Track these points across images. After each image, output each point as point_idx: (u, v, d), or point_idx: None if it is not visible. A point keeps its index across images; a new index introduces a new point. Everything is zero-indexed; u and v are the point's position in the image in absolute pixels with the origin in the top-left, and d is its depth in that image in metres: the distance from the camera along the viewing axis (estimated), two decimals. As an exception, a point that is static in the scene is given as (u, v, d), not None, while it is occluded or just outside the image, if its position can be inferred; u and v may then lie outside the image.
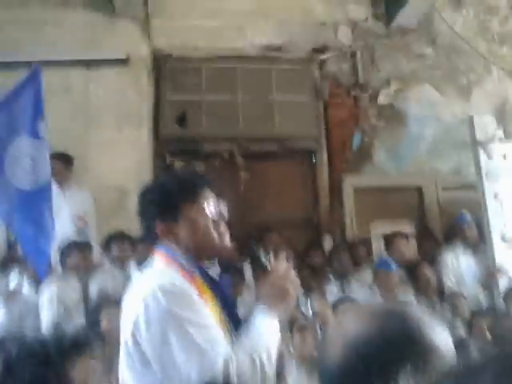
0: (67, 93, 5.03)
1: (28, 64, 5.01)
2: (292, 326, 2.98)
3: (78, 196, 4.68)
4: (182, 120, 5.31)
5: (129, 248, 4.16)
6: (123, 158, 4.99)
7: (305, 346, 2.97)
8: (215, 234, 1.63)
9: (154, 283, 1.52)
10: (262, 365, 1.46)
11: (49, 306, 3.84)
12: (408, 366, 0.84)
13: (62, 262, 4.13)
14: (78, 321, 3.80)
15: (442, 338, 0.90)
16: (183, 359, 1.42)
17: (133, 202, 1.81)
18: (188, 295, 1.50)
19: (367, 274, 4.39)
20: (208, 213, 1.63)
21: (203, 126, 5.28)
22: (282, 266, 1.62)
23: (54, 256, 4.18)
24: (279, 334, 1.55)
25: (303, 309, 3.59)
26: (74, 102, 5.02)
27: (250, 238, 4.90)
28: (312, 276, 4.35)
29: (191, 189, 1.65)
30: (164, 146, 5.20)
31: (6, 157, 3.68)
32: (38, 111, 3.77)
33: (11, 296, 3.84)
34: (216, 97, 5.33)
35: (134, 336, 1.49)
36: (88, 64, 5.11)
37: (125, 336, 1.52)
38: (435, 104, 5.62)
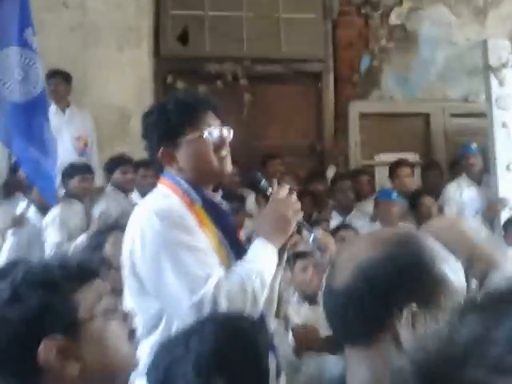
0: (65, 9, 4.76)
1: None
2: (294, 254, 2.99)
3: (78, 117, 4.55)
4: (183, 37, 5.07)
5: (131, 172, 4.11)
6: (123, 78, 4.82)
7: (306, 275, 2.98)
8: (216, 160, 1.60)
9: (150, 207, 1.55)
10: (254, 290, 1.45)
11: (52, 228, 3.83)
12: (416, 296, 0.81)
13: (64, 185, 4.09)
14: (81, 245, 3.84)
15: (455, 270, 0.86)
16: (173, 281, 1.44)
17: (135, 125, 1.80)
18: (183, 220, 1.51)
19: (370, 205, 4.39)
20: (210, 137, 1.59)
21: (206, 45, 5.05)
22: (283, 193, 1.58)
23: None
24: (276, 262, 1.53)
25: (305, 237, 3.61)
26: (71, 18, 4.76)
27: (253, 164, 4.88)
28: (313, 205, 4.35)
29: (193, 113, 1.61)
30: (165, 66, 5.00)
31: None
32: (25, 20, 3.56)
33: (19, 222, 3.78)
34: (220, 12, 5.06)
35: (131, 260, 1.52)
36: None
37: (124, 260, 1.56)
38: (449, 26, 5.35)
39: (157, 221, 1.48)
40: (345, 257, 0.88)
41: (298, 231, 1.66)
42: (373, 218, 4.18)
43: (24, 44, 3.54)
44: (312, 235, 1.59)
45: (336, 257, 0.93)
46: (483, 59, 4.69)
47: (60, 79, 4.45)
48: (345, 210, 4.35)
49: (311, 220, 4.21)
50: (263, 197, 1.68)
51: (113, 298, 0.98)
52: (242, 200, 4.14)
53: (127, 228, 1.60)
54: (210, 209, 1.60)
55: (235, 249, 1.59)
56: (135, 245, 1.51)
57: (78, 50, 4.75)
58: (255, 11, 5.11)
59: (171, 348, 0.91)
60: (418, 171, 4.80)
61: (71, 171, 4.04)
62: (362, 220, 4.23)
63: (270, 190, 1.61)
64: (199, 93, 4.73)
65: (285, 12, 5.15)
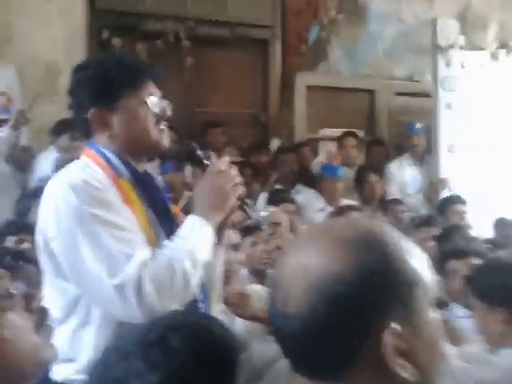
0: None
1: None
2: (241, 230, 2.80)
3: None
4: (122, -10, 4.67)
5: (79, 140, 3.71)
6: (52, 29, 4.37)
7: (255, 250, 2.80)
8: (155, 130, 1.45)
9: (65, 180, 1.37)
10: (184, 271, 1.30)
11: None
12: (392, 305, 0.65)
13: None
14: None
15: (421, 260, 0.70)
16: (91, 262, 1.29)
17: (64, 82, 1.59)
18: (103, 194, 1.35)
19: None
20: (150, 105, 1.45)
21: (146, 0, 4.69)
22: (221, 165, 1.45)
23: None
24: (212, 240, 1.39)
25: (249, 211, 3.45)
26: (-6, -47, 4.24)
27: (193, 132, 4.61)
28: (255, 177, 4.18)
29: (136, 76, 1.46)
30: (100, 19, 4.58)
31: None
32: None
33: None
34: (163, -34, 4.70)
35: (44, 238, 1.37)
36: None
37: (37, 238, 1.39)
38: (399, 2, 5.26)
39: (72, 195, 1.32)
40: (293, 270, 0.68)
41: (241, 207, 1.53)
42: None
43: None
44: (262, 213, 1.46)
45: (279, 268, 0.71)
46: (432, 39, 4.63)
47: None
48: (288, 184, 4.19)
49: (252, 193, 4.05)
50: (200, 168, 1.49)
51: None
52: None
53: (41, 202, 1.41)
54: (140, 184, 1.44)
55: (168, 228, 1.43)
56: (48, 221, 1.35)
57: (2, -5, 4.25)
58: (201, -33, 4.79)
59: (124, 358, 0.68)
60: (363, 148, 4.73)
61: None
62: (304, 194, 4.12)
63: (206, 161, 1.48)
64: (140, 57, 4.41)
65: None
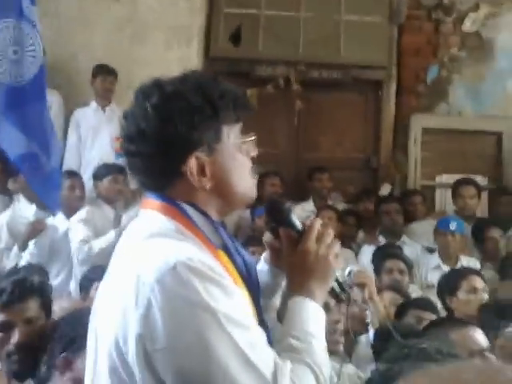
0: (115, 3, 4.60)
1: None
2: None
3: (119, 115, 4.35)
4: (236, 37, 4.77)
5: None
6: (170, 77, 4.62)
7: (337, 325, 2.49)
8: (252, 179, 1.14)
9: (171, 256, 0.97)
10: (325, 381, 1.06)
11: (76, 228, 3.52)
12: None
13: (95, 186, 3.88)
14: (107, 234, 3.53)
15: None
16: (229, 380, 0.95)
17: None
18: (224, 278, 1.00)
19: (422, 228, 3.93)
20: (247, 147, 1.13)
21: (259, 46, 4.72)
22: (318, 229, 1.15)
23: (88, 180, 3.97)
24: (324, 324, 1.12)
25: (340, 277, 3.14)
26: (121, 13, 4.58)
27: (299, 177, 4.52)
28: (358, 225, 3.90)
29: (242, 108, 1.11)
30: (214, 66, 4.71)
31: None
32: None
33: (38, 230, 3.40)
34: (276, 12, 4.73)
35: (141, 341, 0.95)
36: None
37: (116, 340, 0.98)
38: (531, 36, 4.81)
39: (192, 281, 0.95)
40: None
41: None
42: (429, 249, 3.73)
43: (21, 15, 3.09)
44: (348, 270, 1.24)
45: None
46: None
47: (108, 76, 4.27)
48: (392, 236, 3.85)
49: (356, 242, 3.82)
50: (290, 236, 1.19)
51: None
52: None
53: (110, 288, 1.05)
54: (235, 257, 1.10)
55: (258, 308, 1.12)
56: (152, 323, 0.95)
57: (125, 46, 4.55)
58: (314, 12, 4.76)
59: None
60: (485, 197, 4.29)
61: (102, 172, 3.76)
62: (412, 248, 3.79)
63: (300, 227, 1.17)
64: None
65: (347, 14, 4.76)
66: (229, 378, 0.95)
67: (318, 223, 1.17)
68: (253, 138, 1.14)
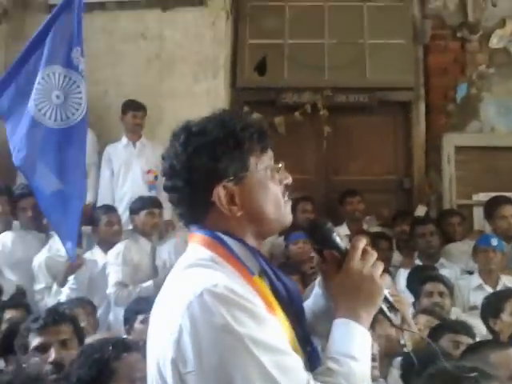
0: (142, 40, 4.74)
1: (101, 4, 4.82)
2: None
3: (149, 149, 4.35)
4: (261, 67, 4.83)
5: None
6: (198, 109, 4.51)
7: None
8: (284, 205, 1.15)
9: (199, 284, 1.01)
10: None
11: (114, 266, 3.55)
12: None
13: (131, 220, 3.91)
14: (145, 283, 3.61)
15: None
16: None
17: None
18: (253, 304, 1.01)
19: (460, 250, 3.84)
20: (280, 176, 1.15)
21: (284, 74, 4.77)
22: (364, 250, 1.12)
23: (122, 213, 4.03)
24: (370, 347, 1.09)
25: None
26: (148, 49, 4.71)
27: (331, 201, 4.50)
28: (391, 249, 3.84)
29: (263, 135, 1.15)
30: (241, 96, 4.77)
31: (32, 90, 3.19)
32: (75, 38, 3.25)
33: (77, 267, 3.42)
34: (300, 40, 4.78)
35: (174, 364, 1.00)
36: (164, 4, 4.77)
37: (157, 364, 1.03)
38: (560, 50, 4.74)
39: (217, 310, 0.98)
40: None
41: None
42: (467, 270, 3.63)
43: (69, 65, 3.25)
44: (385, 291, 1.19)
45: None
46: None
47: (137, 111, 4.34)
48: (429, 259, 3.75)
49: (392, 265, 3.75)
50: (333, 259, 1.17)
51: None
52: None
53: (156, 316, 1.10)
54: (271, 280, 1.11)
55: (302, 334, 1.12)
56: (183, 342, 0.99)
57: (154, 81, 4.65)
58: (338, 38, 4.80)
59: None
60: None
61: (138, 205, 3.79)
62: (451, 270, 3.69)
63: (344, 244, 1.15)
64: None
65: (371, 38, 4.78)
66: None
67: (362, 243, 1.14)
68: (280, 165, 1.17)
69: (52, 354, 1.86)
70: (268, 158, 1.16)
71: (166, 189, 1.16)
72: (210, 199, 1.10)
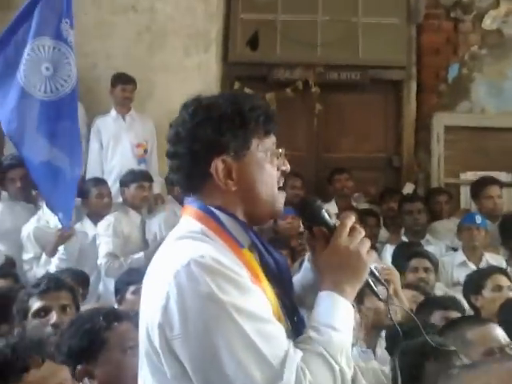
0: (133, 12, 4.68)
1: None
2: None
3: (139, 122, 4.33)
4: (253, 42, 4.80)
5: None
6: (189, 83, 4.60)
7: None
8: (278, 192, 1.19)
9: (187, 254, 1.06)
10: (343, 373, 1.06)
11: (104, 237, 3.58)
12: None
13: (121, 193, 3.92)
14: (136, 255, 3.63)
15: None
16: (235, 367, 1.01)
17: None
18: (237, 275, 1.06)
19: (446, 227, 3.88)
20: (278, 161, 1.18)
21: (276, 50, 4.75)
22: (350, 225, 1.16)
23: (111, 186, 4.02)
24: (353, 321, 1.13)
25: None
26: (139, 22, 4.65)
27: (320, 178, 4.52)
28: (378, 225, 3.87)
29: (270, 118, 1.18)
30: (232, 71, 4.75)
31: (21, 61, 3.17)
32: (64, 11, 3.24)
33: (67, 238, 3.40)
34: (293, 16, 4.74)
35: (161, 329, 1.05)
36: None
37: (146, 328, 1.09)
38: (553, 31, 4.76)
39: (203, 280, 1.03)
40: None
41: None
42: (452, 247, 3.69)
43: (59, 36, 3.23)
44: (372, 267, 1.22)
45: None
46: None
47: (127, 84, 4.31)
48: (415, 236, 3.80)
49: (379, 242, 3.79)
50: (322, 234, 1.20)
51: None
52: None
53: (147, 285, 1.14)
54: (261, 254, 1.15)
55: (289, 307, 1.17)
56: (168, 313, 1.04)
57: (145, 54, 4.61)
58: (331, 15, 4.77)
59: None
60: (509, 193, 4.23)
61: (128, 178, 3.79)
62: (436, 247, 3.74)
63: (333, 222, 1.18)
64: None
65: (364, 16, 4.76)
66: (240, 369, 1.01)
67: (351, 220, 1.17)
68: (280, 150, 1.20)
69: (53, 317, 1.89)
70: (270, 142, 1.19)
71: (168, 154, 1.19)
72: (209, 170, 1.13)
